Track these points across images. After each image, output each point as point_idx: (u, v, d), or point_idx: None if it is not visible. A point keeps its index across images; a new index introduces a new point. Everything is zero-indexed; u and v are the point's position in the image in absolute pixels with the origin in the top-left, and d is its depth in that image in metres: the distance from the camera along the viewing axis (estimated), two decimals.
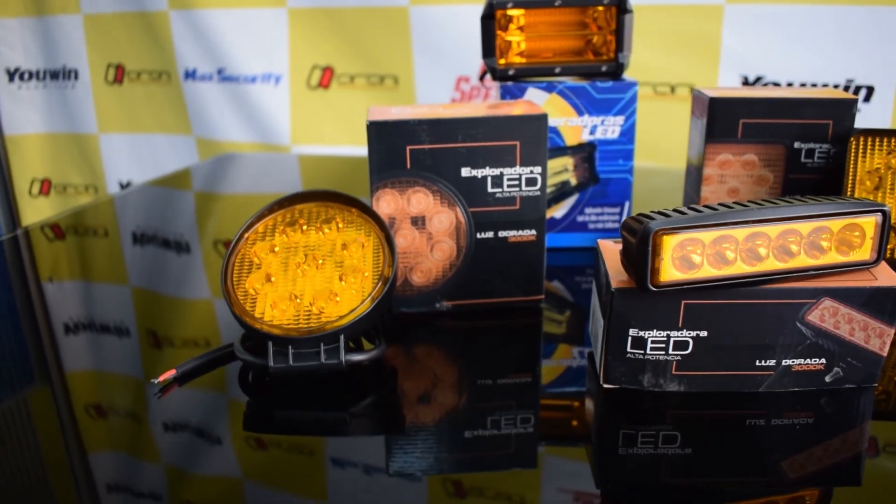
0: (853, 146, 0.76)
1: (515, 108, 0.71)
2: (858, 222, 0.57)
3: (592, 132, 0.85)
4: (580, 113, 0.84)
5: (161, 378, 0.64)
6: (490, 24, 0.84)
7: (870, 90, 1.69)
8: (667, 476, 0.54)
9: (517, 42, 0.85)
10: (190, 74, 2.01)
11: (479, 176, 0.70)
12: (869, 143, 0.76)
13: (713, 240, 0.54)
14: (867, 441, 0.58)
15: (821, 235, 0.56)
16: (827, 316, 0.57)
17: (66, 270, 1.00)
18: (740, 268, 0.55)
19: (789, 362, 0.58)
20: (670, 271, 0.54)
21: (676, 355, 0.58)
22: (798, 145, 0.82)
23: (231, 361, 0.68)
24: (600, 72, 0.84)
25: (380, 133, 0.68)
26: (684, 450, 0.57)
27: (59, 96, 2.08)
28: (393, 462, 0.55)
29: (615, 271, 0.58)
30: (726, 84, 1.75)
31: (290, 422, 0.61)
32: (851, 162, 0.77)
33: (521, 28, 0.86)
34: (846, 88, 1.70)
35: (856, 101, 0.81)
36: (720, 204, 0.56)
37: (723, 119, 0.82)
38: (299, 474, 0.55)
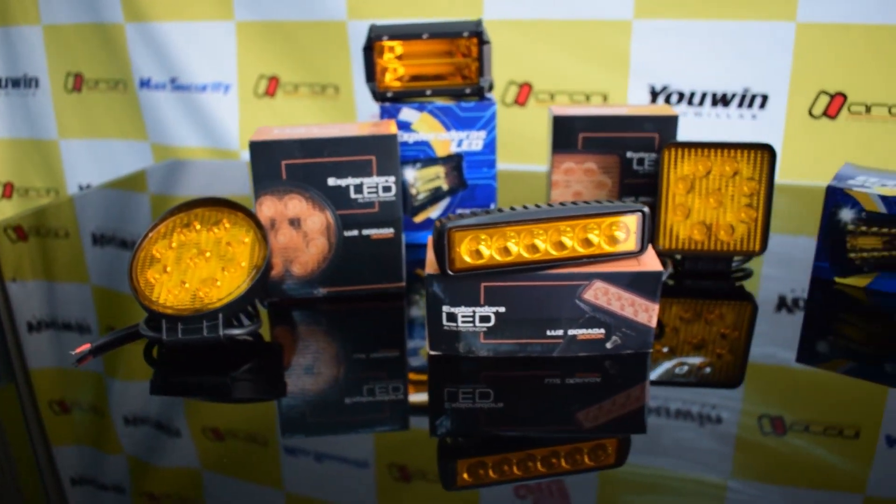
0: (666, 156, 0.92)
1: (380, 128, 0.86)
2: (623, 220, 0.72)
3: (459, 145, 1.00)
4: (448, 128, 1.00)
5: (77, 350, 0.78)
6: (370, 53, 0.98)
7: (764, 98, 1.85)
8: (484, 426, 0.68)
9: (394, 68, 1.00)
10: (145, 83, 2.15)
11: (344, 184, 0.85)
12: (680, 153, 0.92)
13: (497, 236, 0.69)
14: (647, 396, 0.73)
15: (590, 231, 0.71)
16: (600, 294, 0.73)
17: (28, 270, 1.10)
18: (522, 257, 0.70)
19: (574, 332, 0.74)
20: (464, 260, 0.69)
21: (483, 327, 0.73)
22: (630, 155, 0.98)
23: (138, 339, 0.82)
24: (465, 93, 0.99)
25: (260, 151, 0.83)
26: (497, 404, 0.72)
27: (20, 103, 2.21)
28: (283, 427, 0.69)
29: (430, 261, 0.73)
30: (635, 93, 1.91)
31: (183, 386, 0.76)
32: (665, 170, 0.92)
33: (398, 57, 1.01)
34: (743, 97, 1.86)
35: (677, 116, 0.97)
36: (511, 208, 0.71)
37: (565, 133, 0.97)
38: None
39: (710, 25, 1.84)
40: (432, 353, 0.76)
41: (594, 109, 0.99)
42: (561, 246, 0.71)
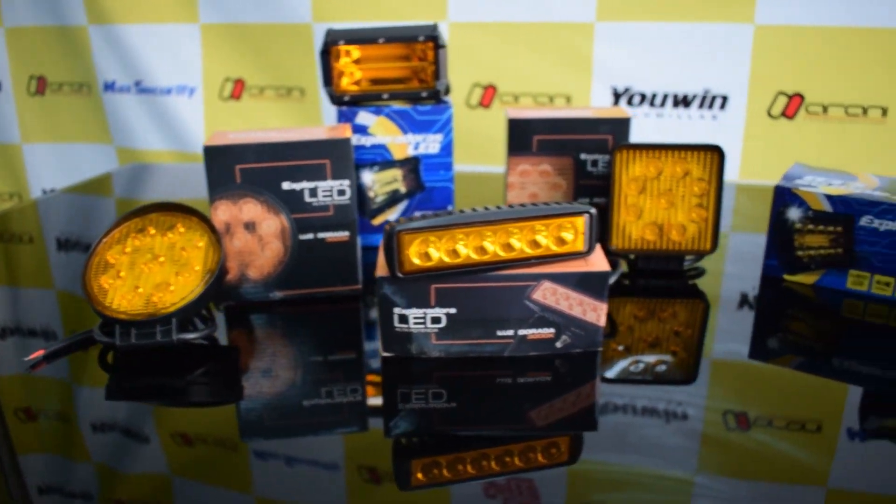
0: (618, 158, 0.93)
1: (335, 133, 0.87)
2: (571, 221, 0.73)
3: (416, 148, 1.01)
4: (405, 132, 1.00)
5: (31, 356, 0.78)
6: (327, 57, 0.99)
7: (724, 99, 1.88)
8: (438, 426, 0.69)
9: (351, 72, 1.01)
10: (109, 86, 2.13)
11: (298, 188, 0.85)
12: (631, 155, 0.94)
13: (446, 238, 0.70)
14: (597, 394, 0.74)
15: (538, 232, 0.73)
16: (548, 295, 0.74)
17: None
18: (471, 259, 0.71)
19: (524, 332, 0.75)
20: (413, 262, 0.70)
21: (434, 328, 0.74)
22: (584, 156, 0.99)
23: (92, 344, 0.82)
24: (421, 97, 1.00)
25: (214, 156, 0.83)
26: (450, 404, 0.73)
27: None
28: (243, 429, 0.69)
29: (381, 263, 0.74)
30: (598, 95, 1.93)
31: (139, 391, 0.76)
32: (617, 171, 0.94)
33: (355, 61, 1.02)
34: (703, 98, 1.89)
35: (629, 119, 0.98)
36: (461, 211, 0.72)
37: (519, 136, 0.99)
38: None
39: (670, 27, 1.87)
40: (385, 354, 0.77)
41: (548, 112, 1.00)
42: (509, 247, 0.72)
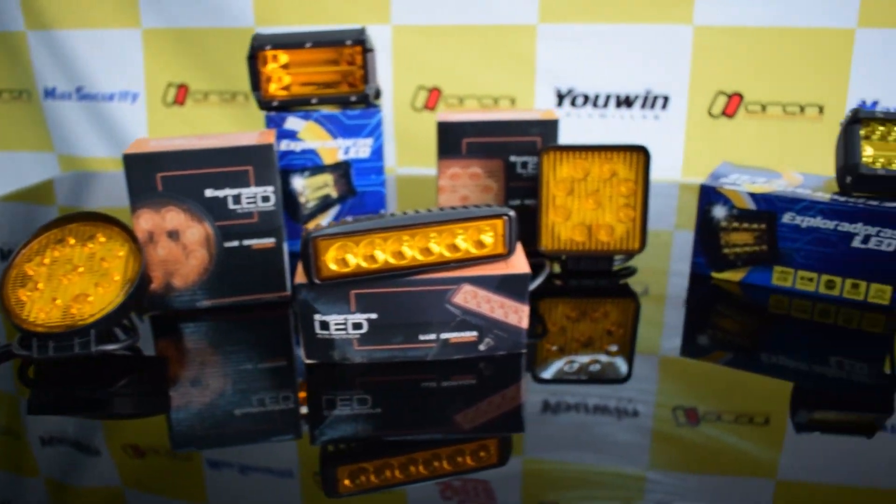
0: (545, 160, 0.94)
1: (259, 139, 0.86)
2: (490, 224, 0.74)
3: (346, 153, 1.01)
4: (334, 136, 1.00)
5: None
6: (253, 62, 0.98)
7: (665, 99, 1.90)
8: (364, 432, 0.68)
9: (278, 77, 1.00)
10: (50, 93, 2.10)
11: (221, 196, 0.84)
12: (558, 156, 0.94)
13: (363, 243, 0.70)
14: (523, 395, 0.74)
15: (457, 236, 0.73)
16: (469, 298, 0.74)
17: None
18: (389, 264, 0.71)
19: (447, 336, 0.75)
20: (330, 268, 0.70)
21: (356, 334, 0.74)
22: (514, 158, 1.00)
23: (11, 358, 0.81)
24: (351, 101, 1.00)
25: (135, 164, 0.82)
26: (375, 409, 0.73)
27: None
28: (174, 438, 0.68)
29: (300, 270, 0.73)
30: (542, 97, 1.94)
31: (59, 405, 0.75)
32: (544, 173, 0.94)
33: (283, 66, 1.01)
34: (645, 98, 1.90)
35: (557, 120, 0.99)
36: (379, 216, 0.72)
37: (449, 139, 0.99)
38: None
39: (611, 29, 1.88)
40: (308, 361, 0.76)
41: (478, 115, 1.01)
42: (428, 252, 0.72)
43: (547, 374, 0.77)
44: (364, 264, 0.70)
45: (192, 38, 2.01)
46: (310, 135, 0.99)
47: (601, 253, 0.96)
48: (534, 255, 0.94)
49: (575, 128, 1.91)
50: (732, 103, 1.90)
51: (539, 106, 1.95)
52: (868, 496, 0.62)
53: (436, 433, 0.69)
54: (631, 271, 1.01)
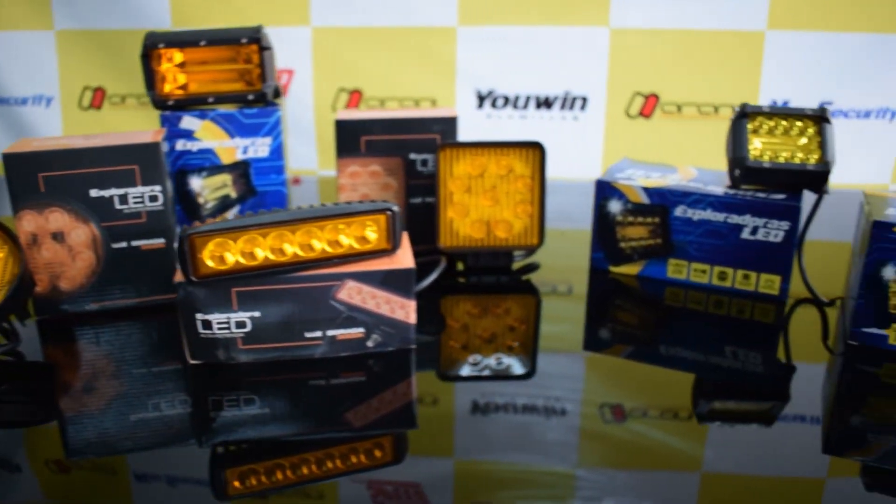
0: (442, 157, 0.94)
1: (153, 137, 0.85)
2: (373, 219, 0.73)
3: (245, 152, 1.00)
4: (232, 136, 0.99)
5: None
6: (147, 61, 0.97)
7: (584, 100, 1.92)
8: (253, 433, 0.67)
9: (174, 76, 0.98)
10: None
11: (107, 196, 0.83)
12: (455, 154, 0.94)
13: (242, 240, 0.69)
14: (415, 391, 0.74)
15: (340, 232, 0.72)
16: (354, 294, 0.73)
17: None
18: (270, 260, 0.70)
19: (333, 333, 0.75)
20: (207, 266, 0.69)
21: (240, 333, 0.73)
22: (413, 156, 1.00)
23: None
24: (248, 100, 0.99)
25: (14, 164, 0.80)
26: (263, 409, 0.72)
27: None
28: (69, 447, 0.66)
29: (180, 269, 0.72)
30: (462, 99, 1.94)
31: None
32: (441, 170, 0.94)
33: (179, 65, 0.99)
34: (564, 99, 1.92)
35: (456, 117, 0.99)
36: (258, 213, 0.71)
37: (347, 137, 0.98)
38: None
39: (530, 31, 1.90)
40: (193, 362, 0.75)
41: (376, 113, 1.00)
42: (310, 248, 0.72)
43: (450, 371, 0.76)
44: (243, 261, 0.70)
45: (109, 40, 1.96)
46: (207, 134, 0.98)
47: (500, 249, 0.97)
48: (435, 253, 0.95)
49: (496, 129, 1.92)
50: (649, 104, 1.93)
51: (460, 108, 1.95)
52: (778, 484, 0.63)
53: (327, 432, 0.68)
54: (533, 267, 1.02)
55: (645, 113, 1.91)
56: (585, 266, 1.01)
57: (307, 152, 1.92)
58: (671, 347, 0.85)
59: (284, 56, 1.93)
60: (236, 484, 0.63)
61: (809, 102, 1.92)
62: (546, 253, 1.02)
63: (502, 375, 0.76)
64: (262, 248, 0.70)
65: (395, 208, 0.73)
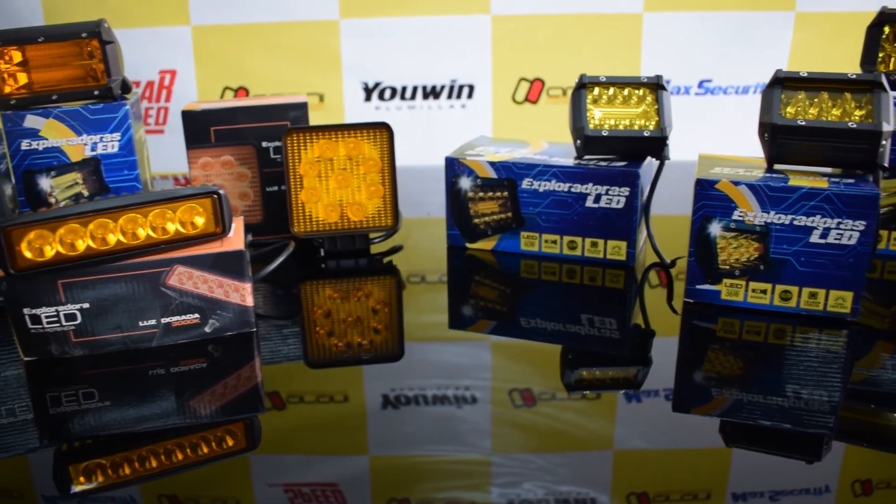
0: (289, 142, 0.94)
1: None
2: (199, 203, 0.73)
3: (94, 149, 0.98)
4: (78, 133, 0.97)
5: None
6: None
7: (471, 88, 1.94)
8: (93, 427, 0.66)
9: (14, 75, 0.97)
10: None
11: None
12: (302, 138, 0.95)
13: (62, 231, 0.68)
14: (259, 375, 0.74)
15: (166, 218, 0.72)
16: (185, 279, 0.73)
17: None
18: (93, 249, 0.70)
19: (168, 320, 0.74)
20: (26, 258, 0.68)
21: (71, 325, 0.72)
22: (266, 144, 1.00)
23: None
24: (94, 96, 0.98)
25: None
26: (103, 403, 0.71)
27: None
28: None
29: None
30: (350, 92, 1.95)
31: None
32: (290, 155, 0.95)
33: (21, 62, 0.97)
34: (451, 88, 1.94)
35: (306, 103, 1.00)
36: (77, 202, 0.70)
37: (195, 128, 0.98)
38: None
39: (413, 21, 1.91)
40: (27, 359, 0.74)
41: (224, 103, 1.00)
42: (134, 236, 0.71)
43: (316, 357, 0.77)
44: (64, 252, 0.69)
45: None
46: (52, 132, 0.96)
47: (356, 231, 0.98)
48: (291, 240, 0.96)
49: (385, 121, 1.93)
50: (535, 89, 1.96)
51: (348, 101, 1.96)
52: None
53: (171, 421, 0.67)
54: (396, 249, 1.03)
55: (531, 98, 1.94)
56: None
57: None
58: (531, 320, 0.86)
59: (166, 56, 1.91)
60: (81, 480, 0.62)
61: (689, 81, 1.98)
62: (409, 234, 1.04)
63: (367, 360, 0.77)
64: (84, 238, 0.69)
65: (222, 192, 0.73)
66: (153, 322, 0.74)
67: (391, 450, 0.66)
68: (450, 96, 1.94)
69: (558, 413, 0.69)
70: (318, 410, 0.71)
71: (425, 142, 1.61)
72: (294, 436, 0.67)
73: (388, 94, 1.93)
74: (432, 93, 1.93)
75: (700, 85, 1.96)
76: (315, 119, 0.99)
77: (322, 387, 0.74)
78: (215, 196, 0.73)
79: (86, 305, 0.72)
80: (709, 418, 0.67)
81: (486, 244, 0.99)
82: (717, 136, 1.87)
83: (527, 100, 1.94)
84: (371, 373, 0.76)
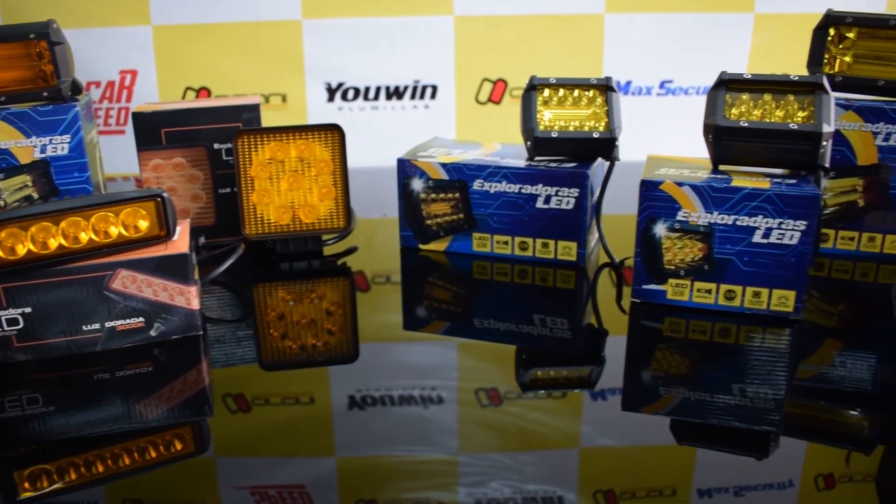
0: (240, 144, 0.94)
1: None
2: (143, 206, 0.73)
3: (43, 151, 0.97)
4: (27, 135, 0.96)
5: None
6: None
7: (434, 88, 1.95)
8: (38, 433, 0.66)
9: None
10: None
11: None
12: (253, 140, 0.94)
13: (1, 235, 0.68)
14: (207, 377, 0.74)
15: (108, 221, 0.72)
16: (128, 283, 0.73)
17: None
18: (33, 254, 0.69)
19: (112, 324, 0.74)
20: None
21: (13, 330, 0.72)
22: (217, 146, 0.99)
23: None
24: (43, 97, 0.97)
25: None
26: (47, 408, 0.71)
27: None
28: None
29: None
30: (313, 93, 1.94)
31: None
32: (241, 157, 0.94)
33: None
34: (414, 88, 1.94)
35: (258, 104, 0.99)
36: (18, 206, 0.70)
37: (146, 130, 0.97)
38: None
39: (376, 22, 1.91)
40: None
41: (175, 104, 1.00)
42: (76, 240, 0.71)
43: (270, 359, 0.77)
44: (5, 256, 0.68)
45: None
46: (1, 134, 0.96)
47: (308, 233, 0.98)
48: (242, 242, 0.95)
49: (347, 122, 1.93)
50: (497, 90, 1.97)
51: (311, 102, 1.95)
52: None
53: (117, 426, 0.67)
54: (350, 250, 1.03)
55: (494, 99, 1.95)
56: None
57: None
58: (485, 321, 0.86)
59: (126, 56, 1.90)
60: (26, 486, 0.62)
61: (650, 81, 1.99)
62: (364, 236, 1.04)
63: (322, 361, 0.77)
64: (24, 242, 0.69)
65: (165, 195, 0.73)
66: (97, 326, 0.73)
67: (358, 451, 0.65)
68: (413, 97, 1.94)
69: (524, 412, 0.69)
70: (284, 412, 0.71)
71: (388, 142, 1.61)
72: (260, 438, 0.67)
73: (350, 94, 1.93)
74: (395, 93, 1.93)
75: (661, 85, 1.98)
76: (278, 120, 1.00)
77: (287, 388, 0.74)
78: (159, 199, 0.73)
79: (28, 310, 0.71)
80: (658, 417, 0.68)
81: (439, 245, 0.99)
82: (677, 136, 1.88)
83: (490, 100, 1.95)
84: (336, 374, 0.76)
